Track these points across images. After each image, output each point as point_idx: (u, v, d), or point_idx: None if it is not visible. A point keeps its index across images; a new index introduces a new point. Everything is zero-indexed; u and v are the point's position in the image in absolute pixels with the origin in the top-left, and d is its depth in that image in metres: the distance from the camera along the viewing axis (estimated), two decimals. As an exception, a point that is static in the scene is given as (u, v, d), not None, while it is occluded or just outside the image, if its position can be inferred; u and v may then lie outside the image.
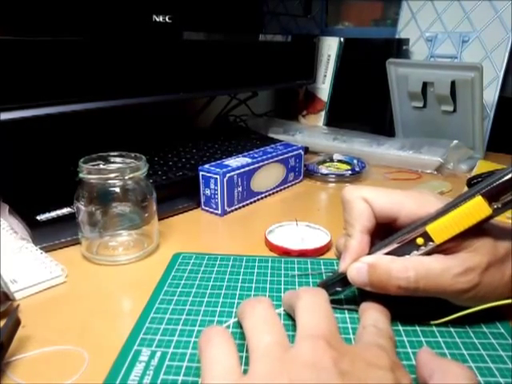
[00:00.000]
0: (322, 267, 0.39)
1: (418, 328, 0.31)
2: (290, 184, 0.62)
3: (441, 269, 0.29)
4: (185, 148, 0.65)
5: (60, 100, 0.47)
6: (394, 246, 0.30)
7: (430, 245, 0.29)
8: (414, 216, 0.31)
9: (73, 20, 0.46)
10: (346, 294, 0.34)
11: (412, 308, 0.32)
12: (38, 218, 0.43)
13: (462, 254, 0.29)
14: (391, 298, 0.30)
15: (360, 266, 0.30)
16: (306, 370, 0.21)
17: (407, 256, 0.30)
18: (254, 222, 0.50)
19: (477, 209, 0.28)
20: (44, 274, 0.37)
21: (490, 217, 0.28)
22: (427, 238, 0.29)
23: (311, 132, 0.82)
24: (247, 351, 0.24)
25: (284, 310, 0.32)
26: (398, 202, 0.32)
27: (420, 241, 0.29)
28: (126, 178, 0.40)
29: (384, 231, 0.32)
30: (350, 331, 0.31)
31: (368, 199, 0.32)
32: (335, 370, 0.20)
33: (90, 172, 0.39)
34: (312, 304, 0.26)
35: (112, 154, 0.43)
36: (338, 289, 0.32)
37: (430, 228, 0.29)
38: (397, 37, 0.90)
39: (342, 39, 0.88)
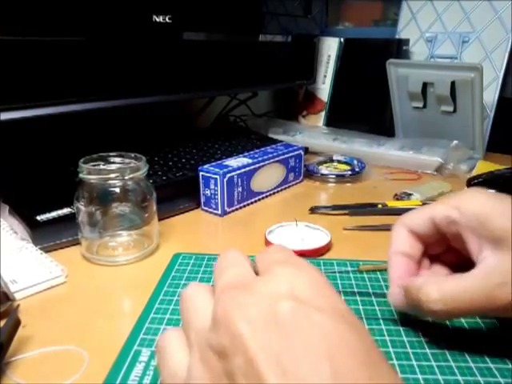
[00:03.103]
0: (322, 267, 0.39)
1: (418, 328, 0.31)
2: (289, 184, 0.62)
3: (468, 287, 0.26)
4: (185, 148, 0.65)
5: (60, 100, 0.47)
6: None
7: None
8: (448, 218, 0.29)
9: (73, 20, 0.46)
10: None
11: None
12: (38, 218, 0.43)
13: (490, 260, 0.26)
14: None
15: (394, 291, 0.30)
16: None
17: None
18: (254, 223, 0.50)
19: None
20: (44, 275, 0.37)
21: None
22: None
23: (311, 132, 0.82)
24: None
25: None
26: (431, 211, 0.30)
27: None
28: (126, 178, 0.40)
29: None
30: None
31: (405, 222, 0.31)
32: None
33: (90, 172, 0.39)
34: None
35: (112, 154, 0.43)
36: None
37: None
38: (397, 37, 0.90)
39: (342, 39, 0.88)
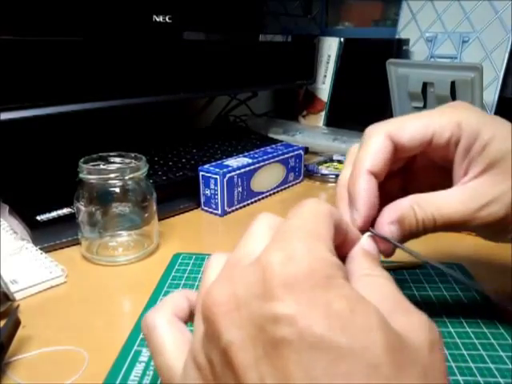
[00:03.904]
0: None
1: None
2: (289, 184, 0.62)
3: (454, 203, 0.25)
4: (185, 148, 0.65)
5: (60, 100, 0.47)
6: None
7: None
8: (447, 132, 0.26)
9: (73, 20, 0.46)
10: None
11: None
12: (38, 218, 0.43)
13: (481, 179, 0.25)
14: None
15: (389, 229, 0.25)
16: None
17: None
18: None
19: None
20: (44, 275, 0.37)
21: None
22: None
23: (311, 132, 0.82)
24: None
25: None
26: (428, 121, 0.26)
27: None
28: (126, 178, 0.40)
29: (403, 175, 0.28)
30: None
31: (392, 132, 0.26)
32: None
33: (90, 172, 0.39)
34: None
35: (112, 154, 0.43)
36: None
37: None
38: (397, 37, 0.90)
39: (342, 39, 0.88)
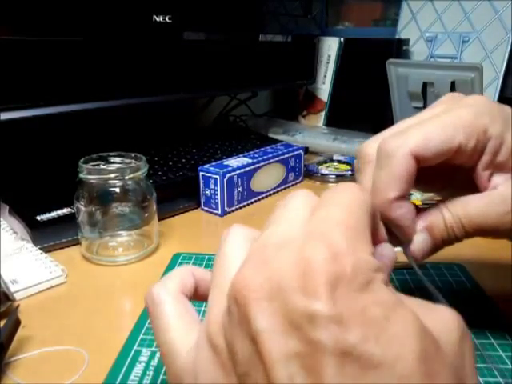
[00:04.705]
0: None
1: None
2: (290, 184, 0.62)
3: (483, 208, 0.25)
4: (185, 148, 0.65)
5: (60, 100, 0.47)
6: None
7: None
8: (473, 139, 0.25)
9: (73, 20, 0.46)
10: None
11: None
12: (38, 218, 0.43)
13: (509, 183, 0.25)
14: None
15: (419, 239, 0.26)
16: None
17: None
18: (254, 223, 0.50)
19: None
20: (44, 275, 0.37)
21: None
22: None
23: (311, 132, 0.82)
24: None
25: None
26: (453, 131, 0.25)
27: None
28: (126, 178, 0.40)
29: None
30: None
31: (416, 151, 0.25)
32: None
33: (90, 172, 0.39)
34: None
35: (112, 154, 0.43)
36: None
37: None
38: (397, 37, 0.90)
39: (342, 39, 0.88)
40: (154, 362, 0.27)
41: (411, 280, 0.37)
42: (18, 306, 0.32)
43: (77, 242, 0.43)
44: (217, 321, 0.16)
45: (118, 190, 0.40)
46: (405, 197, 0.25)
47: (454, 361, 0.15)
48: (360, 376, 0.14)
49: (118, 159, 0.42)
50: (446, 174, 0.29)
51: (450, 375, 0.14)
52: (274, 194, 0.59)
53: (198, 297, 0.21)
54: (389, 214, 0.25)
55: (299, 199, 0.19)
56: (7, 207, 0.47)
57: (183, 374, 0.17)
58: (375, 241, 0.21)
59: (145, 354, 0.28)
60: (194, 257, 0.41)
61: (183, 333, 0.18)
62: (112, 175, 0.39)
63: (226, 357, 0.16)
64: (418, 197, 0.56)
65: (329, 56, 0.89)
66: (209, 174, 0.51)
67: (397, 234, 0.26)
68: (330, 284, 0.14)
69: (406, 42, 0.87)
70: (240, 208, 0.54)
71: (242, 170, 0.53)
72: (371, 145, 0.29)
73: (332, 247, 0.15)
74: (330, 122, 0.91)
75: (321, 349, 0.14)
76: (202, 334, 0.17)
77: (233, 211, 0.53)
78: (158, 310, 0.19)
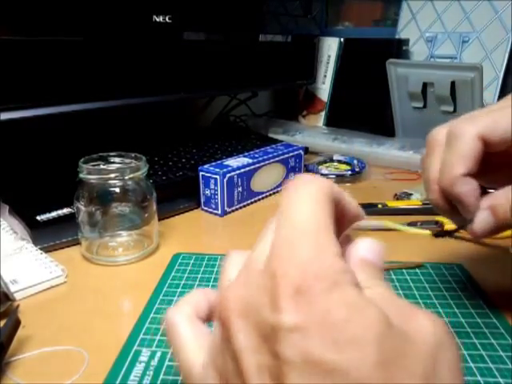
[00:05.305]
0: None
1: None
2: (289, 184, 0.62)
3: None
4: (185, 148, 0.65)
5: (60, 100, 0.47)
6: None
7: None
8: None
9: (73, 20, 0.46)
10: None
11: None
12: (38, 218, 0.43)
13: None
14: None
15: (482, 218, 0.27)
16: None
17: None
18: (254, 223, 0.50)
19: None
20: (44, 275, 0.37)
21: None
22: None
23: (311, 132, 0.82)
24: None
25: None
26: None
27: None
28: (126, 178, 0.40)
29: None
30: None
31: (484, 134, 0.26)
32: None
33: (90, 172, 0.39)
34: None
35: (112, 154, 0.43)
36: None
37: None
38: (397, 37, 0.90)
39: (342, 39, 0.88)
40: (154, 362, 0.27)
41: (411, 280, 0.37)
42: (18, 305, 0.32)
43: (77, 242, 0.43)
44: (218, 341, 0.17)
45: (117, 190, 0.40)
46: (471, 175, 0.27)
47: (423, 367, 0.14)
48: (321, 383, 0.14)
49: (117, 159, 0.42)
50: (509, 166, 0.29)
51: (414, 381, 0.14)
52: (274, 193, 0.59)
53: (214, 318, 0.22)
54: (455, 190, 0.27)
55: (273, 221, 0.19)
56: (7, 207, 0.47)
57: None
58: (345, 221, 0.20)
59: (145, 353, 0.28)
60: (193, 257, 0.41)
61: (197, 353, 0.19)
62: (112, 175, 0.39)
63: (224, 375, 0.17)
64: (417, 197, 0.56)
65: (329, 56, 0.89)
66: (209, 174, 0.51)
67: (460, 211, 0.28)
68: (292, 294, 0.15)
69: (406, 42, 0.87)
70: (240, 208, 0.54)
71: (242, 170, 0.53)
72: (441, 131, 0.30)
73: (294, 258, 0.16)
74: (330, 122, 0.91)
75: (285, 360, 0.14)
76: (208, 353, 0.18)
77: (233, 211, 0.53)
78: (174, 331, 0.20)
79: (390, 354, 0.14)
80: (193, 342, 0.20)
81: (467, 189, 0.27)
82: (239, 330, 0.16)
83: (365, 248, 0.20)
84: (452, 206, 0.29)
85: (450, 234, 0.28)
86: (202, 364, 0.18)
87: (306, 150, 0.70)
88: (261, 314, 0.15)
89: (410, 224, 0.46)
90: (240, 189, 0.53)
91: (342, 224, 0.20)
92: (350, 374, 0.13)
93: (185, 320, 0.20)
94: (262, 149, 0.60)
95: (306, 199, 0.17)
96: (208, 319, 0.22)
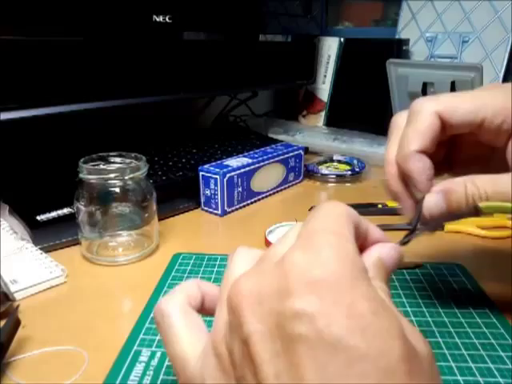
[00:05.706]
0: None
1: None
2: (290, 184, 0.62)
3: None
4: (185, 148, 0.65)
5: (60, 100, 0.47)
6: None
7: None
8: (500, 117, 0.26)
9: (73, 20, 0.46)
10: None
11: None
12: (38, 218, 0.43)
13: None
14: None
15: (432, 199, 0.27)
16: None
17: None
18: (254, 223, 0.50)
19: None
20: (44, 275, 0.37)
21: None
22: None
23: (311, 132, 0.82)
24: None
25: None
26: (481, 105, 0.26)
27: None
28: (126, 178, 0.40)
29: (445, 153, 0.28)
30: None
31: (442, 112, 0.26)
32: None
33: (90, 172, 0.39)
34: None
35: (112, 154, 0.43)
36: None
37: None
38: (397, 37, 0.90)
39: (342, 39, 0.88)
40: (154, 362, 0.27)
41: (411, 280, 0.37)
42: (18, 305, 0.32)
43: (77, 242, 0.43)
44: (220, 331, 0.17)
45: (117, 189, 0.40)
46: (426, 153, 0.26)
47: (428, 372, 0.15)
48: (344, 367, 0.14)
49: (117, 159, 0.42)
50: (483, 160, 0.29)
51: (427, 380, 0.15)
52: (274, 193, 0.59)
53: (204, 310, 0.22)
54: (407, 166, 0.27)
55: (299, 225, 0.20)
56: (7, 207, 0.47)
57: (193, 380, 0.18)
58: (368, 244, 0.21)
59: (145, 353, 0.28)
60: (193, 257, 0.41)
61: (191, 342, 0.19)
62: (112, 175, 0.39)
63: (228, 363, 0.17)
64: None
65: (329, 56, 0.89)
66: (209, 174, 0.51)
67: (412, 190, 0.27)
68: (309, 283, 0.15)
69: (406, 42, 0.87)
70: (240, 208, 0.54)
71: (242, 170, 0.53)
72: (402, 114, 0.30)
73: (312, 250, 0.16)
74: (329, 122, 0.91)
75: (303, 342, 0.14)
76: (208, 343, 0.18)
77: (233, 211, 0.53)
78: (167, 322, 0.20)
79: (410, 352, 0.15)
80: (187, 334, 0.19)
81: (419, 165, 0.27)
82: (251, 315, 0.16)
83: (386, 251, 0.20)
84: (407, 188, 0.28)
85: (411, 233, 0.27)
86: (199, 354, 0.18)
87: (306, 149, 0.70)
88: (275, 301, 0.15)
89: (410, 224, 0.46)
90: (240, 189, 0.53)
91: (364, 247, 0.21)
92: (381, 363, 0.14)
93: (178, 311, 0.20)
94: (262, 149, 0.60)
95: (331, 212, 0.18)
96: (200, 309, 0.21)
